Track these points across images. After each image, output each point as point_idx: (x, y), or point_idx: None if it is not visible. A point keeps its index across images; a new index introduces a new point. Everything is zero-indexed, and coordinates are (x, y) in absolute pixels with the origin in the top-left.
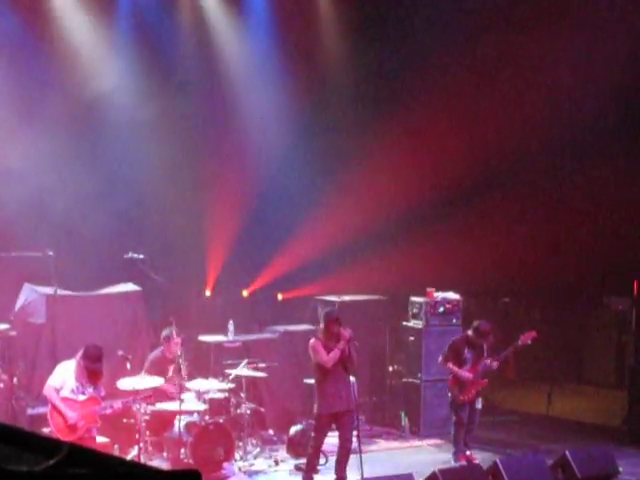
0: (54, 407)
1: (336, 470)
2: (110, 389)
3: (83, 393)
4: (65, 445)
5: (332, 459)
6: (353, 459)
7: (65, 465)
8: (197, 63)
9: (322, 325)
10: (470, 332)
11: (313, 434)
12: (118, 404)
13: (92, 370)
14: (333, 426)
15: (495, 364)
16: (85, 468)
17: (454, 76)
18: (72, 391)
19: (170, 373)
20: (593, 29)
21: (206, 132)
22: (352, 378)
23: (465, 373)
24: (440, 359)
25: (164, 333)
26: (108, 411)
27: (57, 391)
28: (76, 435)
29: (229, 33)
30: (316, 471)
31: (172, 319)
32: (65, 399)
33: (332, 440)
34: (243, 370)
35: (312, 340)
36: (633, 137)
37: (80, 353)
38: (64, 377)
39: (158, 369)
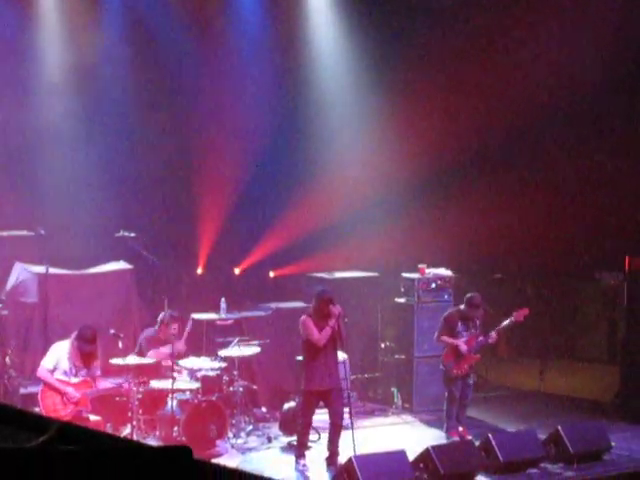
0: (47, 388)
1: (328, 446)
2: (102, 367)
3: (76, 375)
4: (55, 422)
5: (325, 435)
6: (345, 435)
7: (55, 442)
8: (187, 41)
9: (314, 303)
10: (463, 306)
11: (300, 411)
12: (110, 388)
13: (86, 351)
14: (321, 403)
15: (494, 335)
16: (75, 445)
17: (447, 55)
18: (65, 373)
19: (161, 350)
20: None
21: (196, 109)
22: (344, 355)
23: (461, 343)
24: (435, 335)
25: (160, 316)
26: (99, 393)
27: (51, 372)
28: (66, 418)
29: (220, 14)
30: (307, 447)
31: (165, 298)
32: (58, 381)
33: (325, 417)
34: (235, 349)
35: (303, 317)
36: (628, 114)
37: (74, 334)
38: (57, 358)
39: (152, 347)
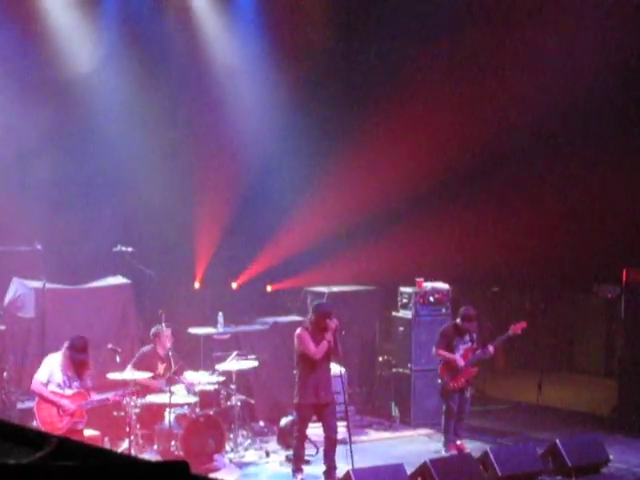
0: (42, 401)
1: (325, 461)
2: (100, 382)
3: (70, 387)
4: (54, 438)
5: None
6: (343, 449)
7: (53, 458)
8: (184, 53)
9: (312, 316)
10: (458, 320)
11: (296, 425)
12: (105, 399)
13: (78, 361)
14: (314, 417)
15: (491, 348)
16: (74, 460)
17: (441, 68)
18: (59, 385)
19: (159, 369)
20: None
21: (194, 123)
22: (342, 368)
23: (458, 358)
24: (433, 350)
25: (153, 330)
26: (95, 404)
27: (45, 385)
28: (62, 429)
29: (216, 26)
30: (304, 461)
31: (162, 312)
32: (53, 393)
33: (321, 431)
34: (233, 363)
35: (299, 330)
36: (625, 125)
37: (66, 345)
38: (51, 370)
39: (147, 364)
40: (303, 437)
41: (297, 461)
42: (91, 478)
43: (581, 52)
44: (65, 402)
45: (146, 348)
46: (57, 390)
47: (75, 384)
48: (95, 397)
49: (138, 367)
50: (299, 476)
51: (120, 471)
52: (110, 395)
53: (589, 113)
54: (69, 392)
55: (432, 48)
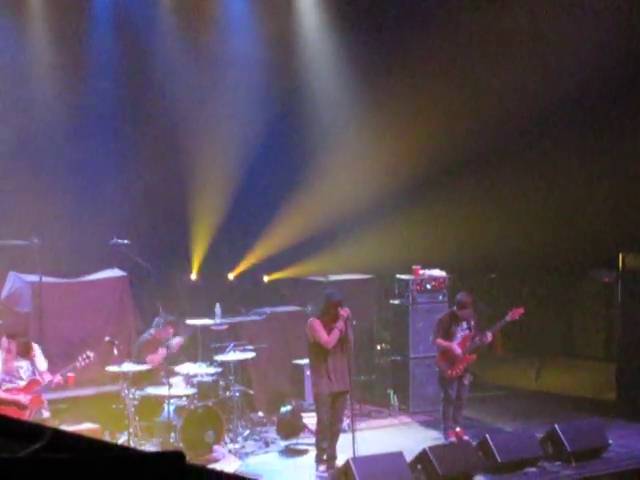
0: (2, 403)
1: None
2: (99, 374)
3: (21, 377)
4: (48, 430)
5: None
6: (344, 438)
7: (48, 450)
8: (176, 51)
9: (322, 305)
10: (454, 307)
11: (316, 415)
12: (58, 377)
13: (22, 345)
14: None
15: (489, 335)
16: (69, 452)
17: (436, 58)
18: (10, 381)
19: (159, 353)
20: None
21: (188, 116)
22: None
23: (455, 347)
24: (431, 339)
25: (156, 320)
26: (52, 386)
27: None
28: (29, 417)
29: (205, 24)
30: (325, 451)
31: (159, 304)
32: (5, 392)
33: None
34: (231, 354)
35: (311, 319)
36: (622, 111)
37: (3, 339)
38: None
39: (149, 350)
40: (325, 427)
41: (319, 452)
42: (86, 469)
43: (576, 43)
44: (20, 397)
45: (144, 336)
46: (10, 386)
47: (27, 372)
48: (47, 378)
49: (142, 356)
50: (321, 468)
51: (116, 462)
52: (64, 371)
53: (583, 100)
54: (22, 383)
55: (427, 36)
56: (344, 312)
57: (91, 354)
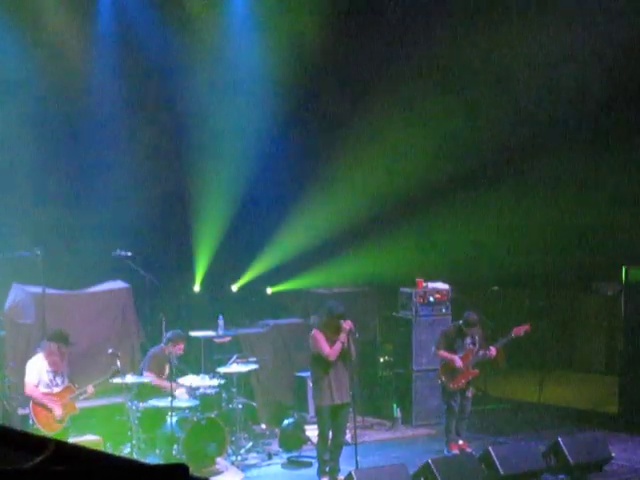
0: (36, 405)
1: (329, 460)
2: (102, 386)
3: (57, 385)
4: (52, 442)
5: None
6: (347, 450)
7: (52, 462)
8: (179, 56)
9: (325, 318)
10: (461, 322)
11: (317, 427)
12: (90, 388)
13: (64, 352)
14: None
15: (492, 350)
16: (72, 464)
17: (436, 64)
18: (47, 385)
19: (167, 370)
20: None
21: (191, 126)
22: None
23: (457, 359)
24: (433, 349)
25: (171, 335)
26: (83, 397)
27: (37, 387)
28: (62, 426)
29: (210, 29)
30: (326, 463)
31: (162, 315)
32: (44, 395)
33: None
34: (234, 366)
35: (313, 331)
36: (627, 126)
37: (46, 344)
38: (38, 372)
39: (158, 364)
40: (326, 439)
41: (322, 465)
42: None
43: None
44: (55, 406)
45: (155, 349)
46: (47, 390)
47: (60, 379)
48: (79, 388)
49: (152, 369)
50: (324, 479)
51: (119, 474)
52: (95, 383)
53: (588, 112)
54: (57, 390)
55: (424, 47)
56: (347, 325)
57: (119, 369)
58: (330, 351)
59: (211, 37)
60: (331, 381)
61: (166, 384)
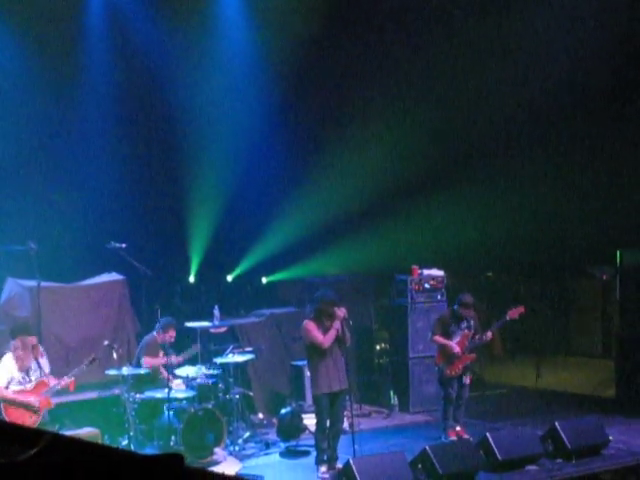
0: (8, 405)
1: (326, 447)
2: (98, 378)
3: (30, 380)
4: (46, 434)
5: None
6: (344, 438)
7: (46, 454)
8: (171, 50)
9: (317, 306)
10: (455, 306)
11: (315, 415)
12: (65, 380)
13: (32, 345)
14: None
15: (488, 334)
16: (67, 456)
17: (424, 60)
18: (20, 382)
19: (161, 356)
20: None
21: (183, 116)
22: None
23: (453, 344)
24: (429, 336)
25: (165, 321)
26: (58, 387)
27: (6, 388)
28: (38, 419)
29: (199, 26)
30: (325, 451)
31: (157, 307)
32: (15, 393)
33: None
34: (230, 356)
35: (305, 322)
36: (621, 104)
37: (12, 342)
38: (9, 370)
39: (153, 351)
40: (324, 428)
41: (320, 453)
42: (84, 473)
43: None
44: (30, 399)
45: (148, 337)
46: (19, 388)
47: (35, 374)
48: (52, 380)
49: (147, 354)
50: (322, 469)
51: (114, 465)
52: (70, 374)
53: (582, 96)
54: (30, 386)
55: (412, 40)
56: (340, 312)
57: (96, 357)
58: (323, 339)
59: (202, 32)
60: (328, 369)
61: (163, 360)
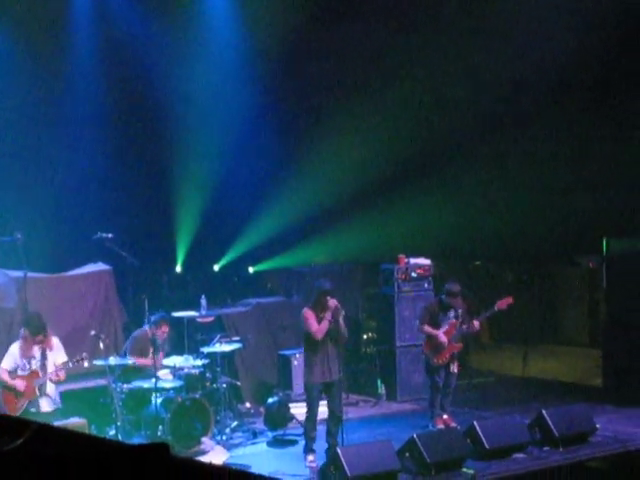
0: (5, 389)
1: (328, 439)
2: (85, 368)
3: (30, 369)
4: (32, 425)
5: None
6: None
7: (32, 445)
8: (158, 41)
9: (314, 296)
10: (442, 295)
11: (306, 404)
12: (53, 374)
13: (38, 340)
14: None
15: (476, 323)
16: (53, 447)
17: (409, 51)
18: (21, 369)
19: (150, 352)
20: None
21: (170, 108)
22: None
23: (440, 334)
24: (417, 325)
25: (156, 318)
26: (45, 379)
27: (8, 372)
28: (20, 409)
29: (187, 18)
30: (313, 440)
31: (144, 297)
32: (10, 377)
33: (303, 410)
34: (217, 346)
35: (304, 310)
36: (606, 97)
37: (22, 330)
38: (14, 357)
39: (141, 347)
40: (314, 417)
41: (308, 442)
42: (69, 463)
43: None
44: (17, 382)
45: (138, 331)
46: (21, 373)
47: (37, 364)
48: (43, 375)
49: (134, 352)
50: (310, 457)
51: (100, 455)
52: (57, 368)
53: (568, 84)
54: (22, 373)
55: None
56: (332, 303)
57: (85, 356)
58: (316, 329)
59: (188, 24)
60: (321, 359)
61: (149, 361)
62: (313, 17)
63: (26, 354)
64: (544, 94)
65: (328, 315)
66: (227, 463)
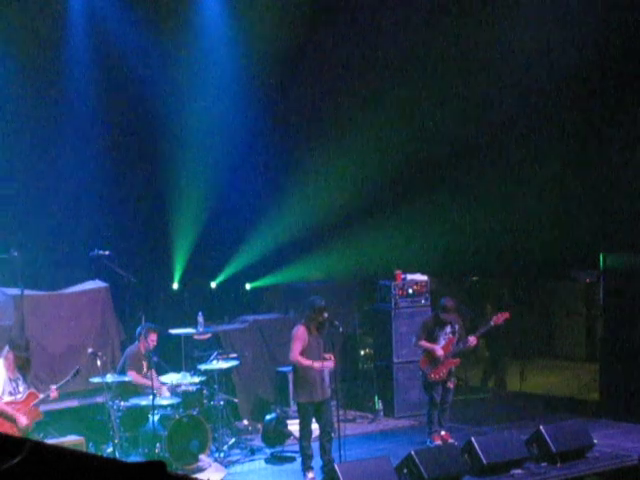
0: (1, 415)
1: (322, 455)
2: (82, 386)
3: (19, 392)
4: (28, 443)
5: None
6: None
7: (28, 463)
8: (153, 55)
9: (307, 312)
10: (439, 311)
11: (300, 423)
12: (52, 391)
13: (23, 360)
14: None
15: (472, 339)
16: (49, 465)
17: (410, 63)
18: (10, 393)
19: (144, 368)
20: None
21: (167, 125)
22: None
23: (437, 348)
24: (414, 340)
25: (140, 329)
26: (47, 398)
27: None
28: (25, 433)
29: (180, 30)
30: (311, 457)
31: (142, 314)
32: (8, 404)
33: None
34: (214, 363)
35: (297, 327)
36: (604, 114)
37: (6, 349)
38: (3, 380)
39: (137, 363)
40: (309, 434)
41: (306, 460)
42: None
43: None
44: (20, 416)
45: (131, 348)
46: (10, 399)
47: (23, 386)
48: (42, 394)
49: (131, 368)
50: (309, 475)
51: (96, 473)
52: (58, 385)
53: (567, 101)
54: (20, 397)
55: (399, 42)
56: (330, 361)
57: (80, 368)
58: (295, 356)
59: (183, 34)
60: (310, 377)
61: (147, 381)
62: (310, 33)
63: (13, 375)
64: (539, 111)
65: (317, 364)
66: None
